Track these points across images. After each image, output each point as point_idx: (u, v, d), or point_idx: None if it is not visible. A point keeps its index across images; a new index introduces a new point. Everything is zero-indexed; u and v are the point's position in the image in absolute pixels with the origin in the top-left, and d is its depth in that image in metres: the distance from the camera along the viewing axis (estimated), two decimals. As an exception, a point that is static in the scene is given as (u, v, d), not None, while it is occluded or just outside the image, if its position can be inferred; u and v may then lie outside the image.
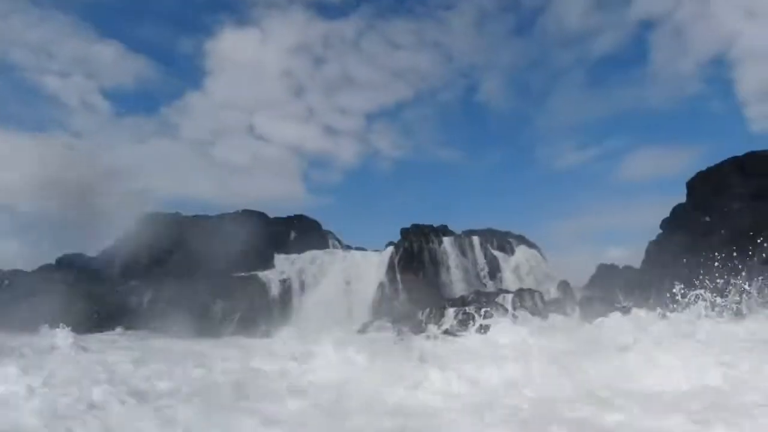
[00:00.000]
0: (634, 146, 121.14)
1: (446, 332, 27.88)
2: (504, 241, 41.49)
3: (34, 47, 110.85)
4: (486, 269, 38.84)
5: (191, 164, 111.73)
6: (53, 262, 32.25)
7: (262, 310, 32.27)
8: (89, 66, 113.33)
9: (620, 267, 35.63)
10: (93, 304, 27.93)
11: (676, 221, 30.82)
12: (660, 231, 32.88)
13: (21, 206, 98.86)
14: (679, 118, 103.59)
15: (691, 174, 32.06)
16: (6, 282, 27.98)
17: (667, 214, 32.56)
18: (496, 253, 40.15)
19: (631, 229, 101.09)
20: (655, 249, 32.46)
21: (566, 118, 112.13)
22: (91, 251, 34.41)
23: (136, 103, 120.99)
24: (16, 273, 30.26)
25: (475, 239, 39.86)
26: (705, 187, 29.11)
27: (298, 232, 38.56)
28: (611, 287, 32.12)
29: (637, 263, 34.40)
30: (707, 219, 27.26)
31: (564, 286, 35.99)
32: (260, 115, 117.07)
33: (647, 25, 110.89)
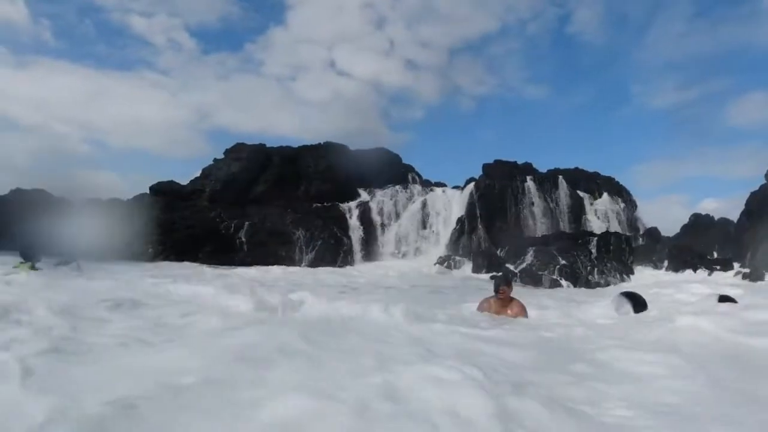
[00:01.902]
0: (740, 89, 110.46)
1: (523, 272, 27.70)
2: (591, 182, 39.89)
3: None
4: (570, 210, 37.69)
5: (274, 99, 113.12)
6: (147, 191, 33.84)
7: (341, 241, 33.03)
8: (173, 4, 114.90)
9: (716, 219, 33.53)
10: (185, 229, 29.58)
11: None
12: (764, 182, 30.34)
13: (113, 141, 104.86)
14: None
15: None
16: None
17: (774, 163, 29.86)
18: (581, 194, 38.75)
19: (732, 179, 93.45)
20: (756, 201, 30.12)
21: (666, 54, 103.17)
22: (183, 179, 35.84)
23: (220, 40, 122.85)
24: (113, 201, 32.17)
25: (561, 179, 38.50)
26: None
27: (378, 165, 38.52)
28: (704, 240, 30.43)
29: (734, 216, 32.20)
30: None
31: (653, 233, 34.42)
32: (340, 49, 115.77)
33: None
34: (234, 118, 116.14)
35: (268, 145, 37.62)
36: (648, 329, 5.17)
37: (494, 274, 24.25)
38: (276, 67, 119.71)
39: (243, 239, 30.94)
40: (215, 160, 36.48)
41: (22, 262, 9.83)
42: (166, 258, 27.78)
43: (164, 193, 33.54)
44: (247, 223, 31.34)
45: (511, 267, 28.56)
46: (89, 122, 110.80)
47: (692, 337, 4.62)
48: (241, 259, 29.42)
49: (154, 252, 28.36)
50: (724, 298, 8.02)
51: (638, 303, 7.96)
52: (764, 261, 25.64)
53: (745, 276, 25.02)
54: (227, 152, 36.47)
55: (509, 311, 7.12)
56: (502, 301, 7.25)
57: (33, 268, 9.77)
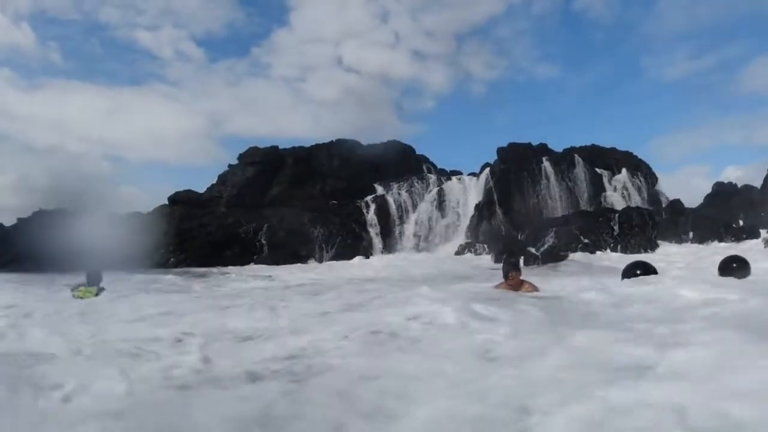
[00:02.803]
0: (756, 53, 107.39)
1: (545, 253, 27.41)
2: (608, 158, 39.28)
3: (120, 4, 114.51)
4: (589, 188, 37.18)
5: (284, 101, 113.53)
6: (166, 202, 34.23)
7: (360, 236, 33.05)
8: (177, 16, 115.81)
9: (739, 186, 32.75)
10: (204, 236, 29.88)
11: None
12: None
13: (131, 155, 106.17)
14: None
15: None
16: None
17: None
18: (600, 171, 38.19)
19: (753, 145, 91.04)
20: (782, 164, 29.43)
21: (677, 23, 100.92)
22: (199, 188, 36.22)
23: (226, 47, 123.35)
24: (134, 215, 32.53)
25: (577, 157, 37.97)
26: None
27: (392, 158, 38.41)
28: (729, 208, 29.78)
29: (758, 183, 31.43)
30: None
31: (675, 206, 33.78)
32: (347, 45, 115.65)
33: None
34: (246, 124, 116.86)
35: (280, 147, 37.78)
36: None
37: (505, 258, 24.03)
38: (284, 69, 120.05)
39: (263, 241, 31.13)
40: (230, 166, 36.76)
41: (85, 287, 9.62)
42: (189, 265, 28.07)
43: (182, 202, 33.89)
44: (265, 225, 31.52)
45: (532, 250, 28.28)
46: (106, 139, 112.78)
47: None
48: (263, 260, 29.60)
49: (176, 260, 28.69)
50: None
51: (648, 270, 8.37)
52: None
53: (772, 242, 24.45)
54: (241, 157, 36.70)
55: (523, 290, 7.44)
56: (513, 285, 7.48)
57: (97, 293, 9.62)
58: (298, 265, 28.42)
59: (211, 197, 34.87)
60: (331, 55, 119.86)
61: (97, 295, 9.47)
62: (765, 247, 24.13)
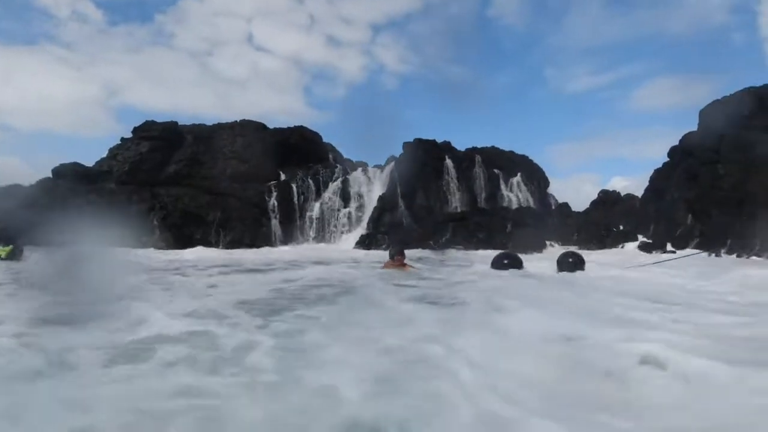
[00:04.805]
0: (650, 74, 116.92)
1: (443, 246, 28.39)
2: (506, 160, 40.98)
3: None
4: (487, 187, 38.61)
5: (188, 75, 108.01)
6: (50, 175, 31.64)
7: (260, 222, 32.26)
8: None
9: (622, 195, 35.35)
10: (92, 214, 27.83)
11: (683, 150, 30.15)
12: (667, 160, 32.27)
13: (16, 123, 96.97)
14: (698, 49, 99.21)
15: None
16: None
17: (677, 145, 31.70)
18: (497, 172, 39.77)
19: (639, 159, 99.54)
20: (659, 178, 32.05)
21: (582, 40, 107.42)
22: (88, 161, 33.70)
23: (128, 10, 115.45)
24: (14, 187, 29.81)
25: (478, 157, 39.30)
26: (718, 115, 28.16)
27: (298, 144, 37.74)
28: (612, 214, 32.05)
29: (640, 193, 34.08)
30: (717, 148, 26.60)
31: (564, 209, 35.93)
32: (259, 22, 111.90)
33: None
34: (145, 95, 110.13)
35: (180, 123, 35.95)
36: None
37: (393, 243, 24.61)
38: (190, 41, 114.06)
39: (155, 222, 29.56)
40: (123, 139, 34.46)
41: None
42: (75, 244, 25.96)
43: (68, 176, 31.42)
44: (158, 205, 29.93)
45: (431, 243, 29.06)
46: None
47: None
48: (154, 242, 28.11)
49: (60, 239, 26.48)
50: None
51: (515, 262, 10.59)
52: (665, 232, 27.38)
53: (647, 246, 26.63)
54: (136, 131, 34.50)
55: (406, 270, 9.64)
56: (397, 266, 9.57)
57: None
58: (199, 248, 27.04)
59: (100, 172, 32.55)
60: (243, 31, 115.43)
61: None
62: (638, 249, 26.31)
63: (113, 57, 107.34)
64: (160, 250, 25.70)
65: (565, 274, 9.65)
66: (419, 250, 24.63)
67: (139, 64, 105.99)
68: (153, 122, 34.86)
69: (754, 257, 18.80)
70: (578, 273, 9.78)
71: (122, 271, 10.23)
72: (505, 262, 10.47)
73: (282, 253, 25.97)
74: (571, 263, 10.09)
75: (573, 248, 28.90)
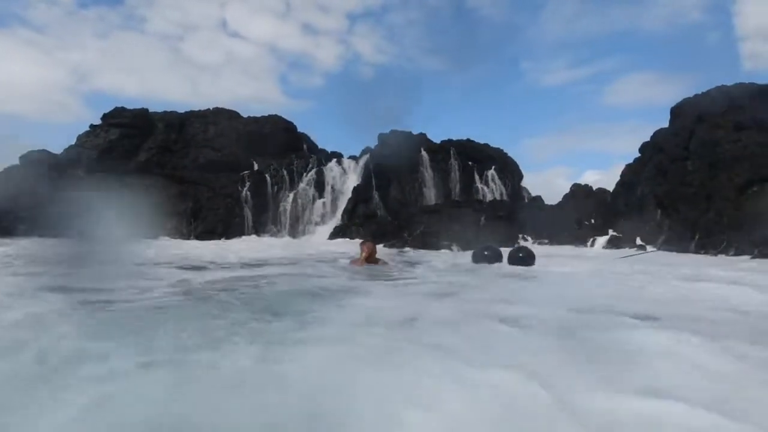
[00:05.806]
0: (624, 70, 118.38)
1: (417, 238, 28.35)
2: (481, 153, 41.10)
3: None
4: (461, 180, 38.72)
5: (159, 60, 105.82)
6: (17, 161, 30.80)
7: (232, 212, 31.86)
8: None
9: (594, 189, 35.71)
10: (59, 203, 27.15)
11: (654, 145, 30.57)
12: (638, 155, 32.69)
13: None
14: (674, 46, 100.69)
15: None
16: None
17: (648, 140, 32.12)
18: (472, 164, 39.89)
19: (613, 153, 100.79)
20: (629, 173, 32.47)
21: (559, 34, 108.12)
22: (56, 148, 32.87)
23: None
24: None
25: (453, 150, 39.35)
26: (689, 112, 28.61)
27: (272, 133, 37.30)
28: (583, 207, 32.40)
29: (611, 187, 34.47)
30: (686, 145, 27.04)
31: (537, 202, 36.25)
32: (233, 7, 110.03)
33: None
34: (115, 81, 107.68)
35: (151, 110, 35.20)
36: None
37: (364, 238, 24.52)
38: (162, 25, 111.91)
39: (124, 212, 28.93)
40: (92, 126, 33.66)
41: None
42: (41, 235, 25.34)
43: (35, 163, 30.59)
44: (128, 193, 29.29)
45: (405, 234, 29.02)
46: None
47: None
48: (122, 232, 27.50)
49: (26, 228, 25.87)
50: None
51: (497, 255, 10.77)
52: (635, 227, 27.78)
53: (616, 240, 27.03)
54: (105, 117, 33.72)
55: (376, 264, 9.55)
56: (369, 259, 9.36)
57: None
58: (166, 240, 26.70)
59: (68, 159, 31.75)
60: (216, 16, 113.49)
61: None
62: (607, 244, 26.72)
63: (83, 41, 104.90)
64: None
65: (515, 267, 9.92)
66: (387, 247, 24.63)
67: (109, 49, 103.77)
68: (123, 109, 34.12)
69: (722, 255, 19.10)
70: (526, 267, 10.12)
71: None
72: (486, 253, 10.93)
73: (250, 243, 25.66)
74: (521, 258, 10.38)
75: (545, 242, 29.28)
